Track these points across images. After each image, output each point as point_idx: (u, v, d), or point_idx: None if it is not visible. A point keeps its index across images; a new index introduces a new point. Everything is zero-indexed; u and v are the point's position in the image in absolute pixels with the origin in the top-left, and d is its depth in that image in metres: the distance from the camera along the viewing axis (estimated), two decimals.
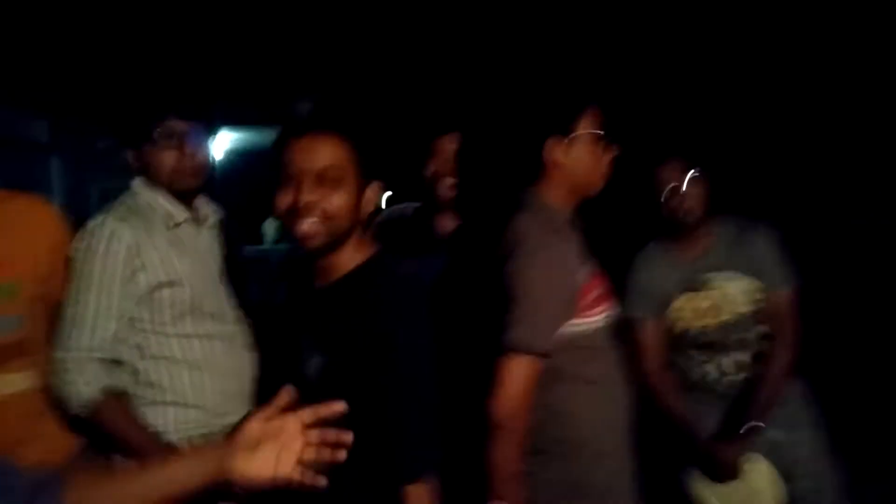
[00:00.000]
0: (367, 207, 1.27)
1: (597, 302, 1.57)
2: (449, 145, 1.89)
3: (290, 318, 1.39)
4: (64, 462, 1.52)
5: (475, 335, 1.55)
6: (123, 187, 1.71)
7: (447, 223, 1.96)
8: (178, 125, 1.62)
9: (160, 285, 1.56)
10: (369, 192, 1.26)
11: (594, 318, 1.55)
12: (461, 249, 1.87)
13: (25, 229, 1.50)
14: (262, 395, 1.64)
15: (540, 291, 1.45)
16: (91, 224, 1.56)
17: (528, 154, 1.59)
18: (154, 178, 1.65)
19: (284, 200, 1.20)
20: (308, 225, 1.19)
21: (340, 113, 1.24)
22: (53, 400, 1.50)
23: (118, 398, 1.51)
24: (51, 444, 1.52)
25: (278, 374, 1.55)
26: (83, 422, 1.50)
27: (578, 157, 1.57)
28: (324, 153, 1.19)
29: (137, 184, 1.67)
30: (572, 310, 1.50)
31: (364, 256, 1.27)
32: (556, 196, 1.60)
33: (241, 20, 4.64)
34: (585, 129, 1.58)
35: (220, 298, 1.70)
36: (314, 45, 5.07)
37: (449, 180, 1.89)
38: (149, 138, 1.61)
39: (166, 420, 1.56)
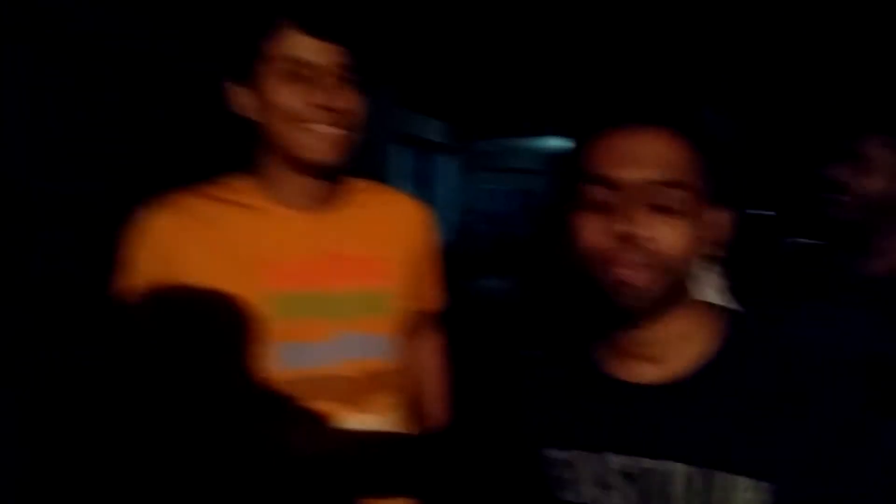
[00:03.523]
0: (711, 245, 0.79)
1: None
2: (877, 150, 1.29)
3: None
4: None
5: None
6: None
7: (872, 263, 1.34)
8: None
9: None
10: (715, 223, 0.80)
11: None
12: None
13: (397, 228, 1.15)
14: None
15: None
16: None
17: None
18: None
19: (599, 229, 0.75)
20: (635, 269, 0.74)
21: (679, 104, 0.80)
22: None
23: None
24: None
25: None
26: None
27: None
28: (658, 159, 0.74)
29: None
30: None
31: (715, 326, 0.81)
32: None
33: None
34: None
35: None
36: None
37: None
38: None
39: None
